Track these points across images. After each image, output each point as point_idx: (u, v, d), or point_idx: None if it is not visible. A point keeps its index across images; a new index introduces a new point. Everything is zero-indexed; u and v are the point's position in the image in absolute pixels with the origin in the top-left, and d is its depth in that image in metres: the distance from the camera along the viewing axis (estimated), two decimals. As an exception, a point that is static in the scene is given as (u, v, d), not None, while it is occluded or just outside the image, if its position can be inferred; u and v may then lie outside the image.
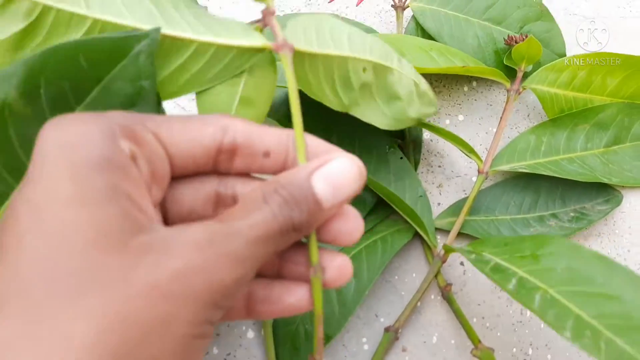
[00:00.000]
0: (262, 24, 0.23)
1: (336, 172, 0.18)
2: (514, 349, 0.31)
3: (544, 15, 0.39)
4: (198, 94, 0.23)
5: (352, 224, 0.20)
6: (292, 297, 0.20)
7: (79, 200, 0.15)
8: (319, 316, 0.20)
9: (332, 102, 0.27)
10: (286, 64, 0.21)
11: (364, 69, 0.25)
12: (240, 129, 0.19)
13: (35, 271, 0.14)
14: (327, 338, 0.29)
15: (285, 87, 0.24)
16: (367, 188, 0.33)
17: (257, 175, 0.21)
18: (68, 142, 0.15)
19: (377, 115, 0.28)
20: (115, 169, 0.16)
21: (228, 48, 0.22)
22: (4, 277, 0.14)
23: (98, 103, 0.19)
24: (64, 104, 0.19)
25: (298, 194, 0.18)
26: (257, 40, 0.22)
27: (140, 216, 0.16)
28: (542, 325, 0.32)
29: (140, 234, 0.15)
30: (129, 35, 0.20)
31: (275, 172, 0.20)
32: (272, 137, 0.19)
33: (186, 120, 0.18)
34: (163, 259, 0.15)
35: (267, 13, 0.22)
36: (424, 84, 0.29)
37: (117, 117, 0.17)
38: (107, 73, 0.19)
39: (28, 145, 0.18)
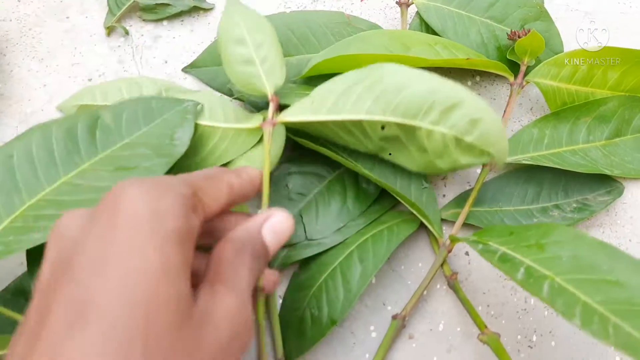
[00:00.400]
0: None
1: (277, 224, 0.25)
2: (519, 336, 0.32)
3: (543, 15, 0.40)
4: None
5: None
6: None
7: (165, 272, 0.18)
8: (261, 327, 0.27)
9: (359, 147, 0.31)
10: (265, 134, 0.30)
11: (382, 127, 0.28)
12: (237, 184, 0.25)
13: (128, 342, 0.17)
14: (332, 322, 0.29)
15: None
16: (370, 181, 0.33)
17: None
18: (157, 212, 0.19)
19: (408, 160, 0.31)
20: (189, 242, 0.20)
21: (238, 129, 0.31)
22: (97, 347, 0.17)
23: (158, 127, 0.29)
24: (135, 124, 0.29)
25: (257, 247, 0.24)
26: (254, 123, 0.31)
27: (190, 284, 0.20)
28: (546, 313, 0.32)
29: (194, 304, 0.20)
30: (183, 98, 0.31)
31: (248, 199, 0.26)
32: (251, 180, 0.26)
33: (209, 183, 0.24)
34: (214, 330, 0.20)
35: (271, 99, 0.31)
36: (476, 136, 0.27)
37: (180, 188, 0.21)
38: (167, 112, 0.30)
39: (104, 143, 0.28)
